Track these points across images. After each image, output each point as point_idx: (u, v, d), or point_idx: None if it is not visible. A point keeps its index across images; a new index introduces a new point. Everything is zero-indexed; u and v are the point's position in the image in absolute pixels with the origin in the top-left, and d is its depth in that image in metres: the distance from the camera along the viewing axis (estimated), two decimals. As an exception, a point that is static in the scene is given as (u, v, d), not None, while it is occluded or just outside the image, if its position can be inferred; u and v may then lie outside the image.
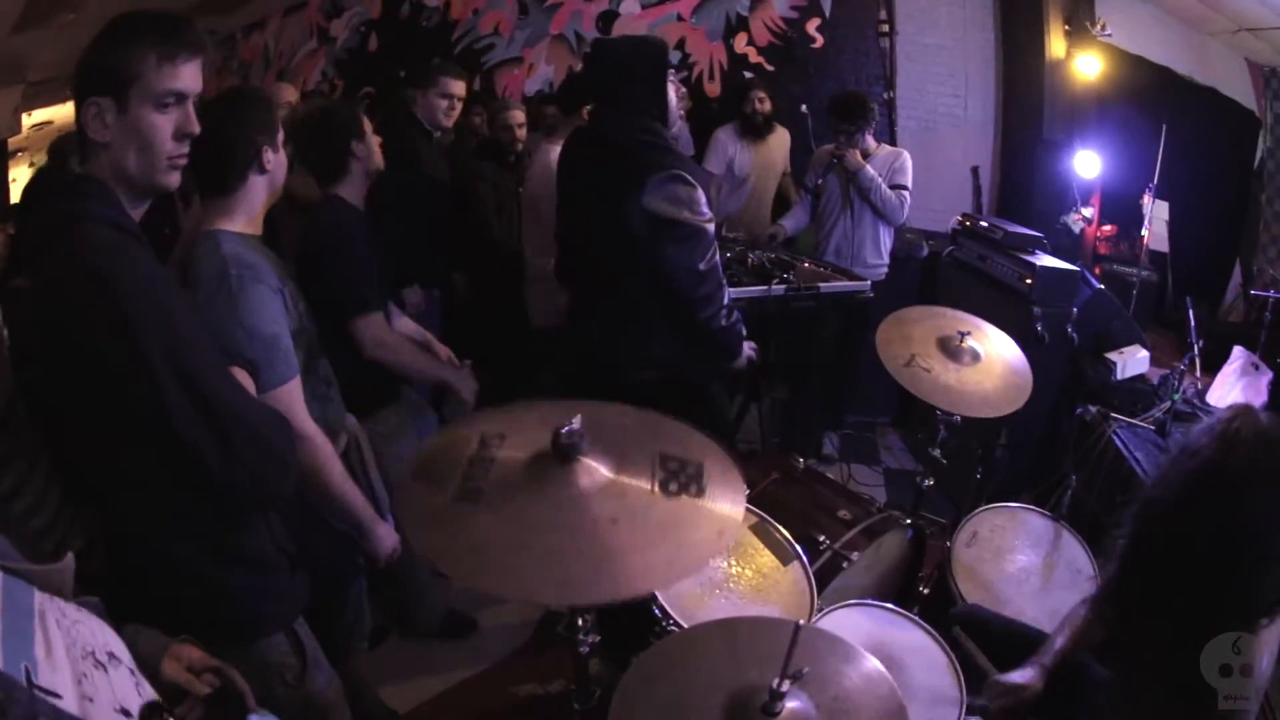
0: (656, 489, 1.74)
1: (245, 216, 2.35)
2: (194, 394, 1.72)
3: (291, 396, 2.32)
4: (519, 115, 5.51)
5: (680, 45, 7.30)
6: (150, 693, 1.29)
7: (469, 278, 5.15)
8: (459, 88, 4.50)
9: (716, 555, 1.79)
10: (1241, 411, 1.94)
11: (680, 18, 7.33)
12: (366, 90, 8.11)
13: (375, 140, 3.16)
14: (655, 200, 2.99)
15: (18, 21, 6.19)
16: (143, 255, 1.75)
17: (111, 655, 1.23)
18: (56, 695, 1.03)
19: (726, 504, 1.76)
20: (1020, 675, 2.30)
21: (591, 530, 1.63)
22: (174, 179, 1.85)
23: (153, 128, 1.77)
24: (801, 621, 1.60)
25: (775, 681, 1.60)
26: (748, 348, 3.42)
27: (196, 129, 1.84)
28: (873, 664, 1.86)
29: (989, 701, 2.28)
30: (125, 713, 1.16)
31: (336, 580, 2.79)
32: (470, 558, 1.63)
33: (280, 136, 2.38)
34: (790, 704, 1.63)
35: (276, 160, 2.37)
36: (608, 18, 7.43)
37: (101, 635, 1.25)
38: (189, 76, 1.80)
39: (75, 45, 1.78)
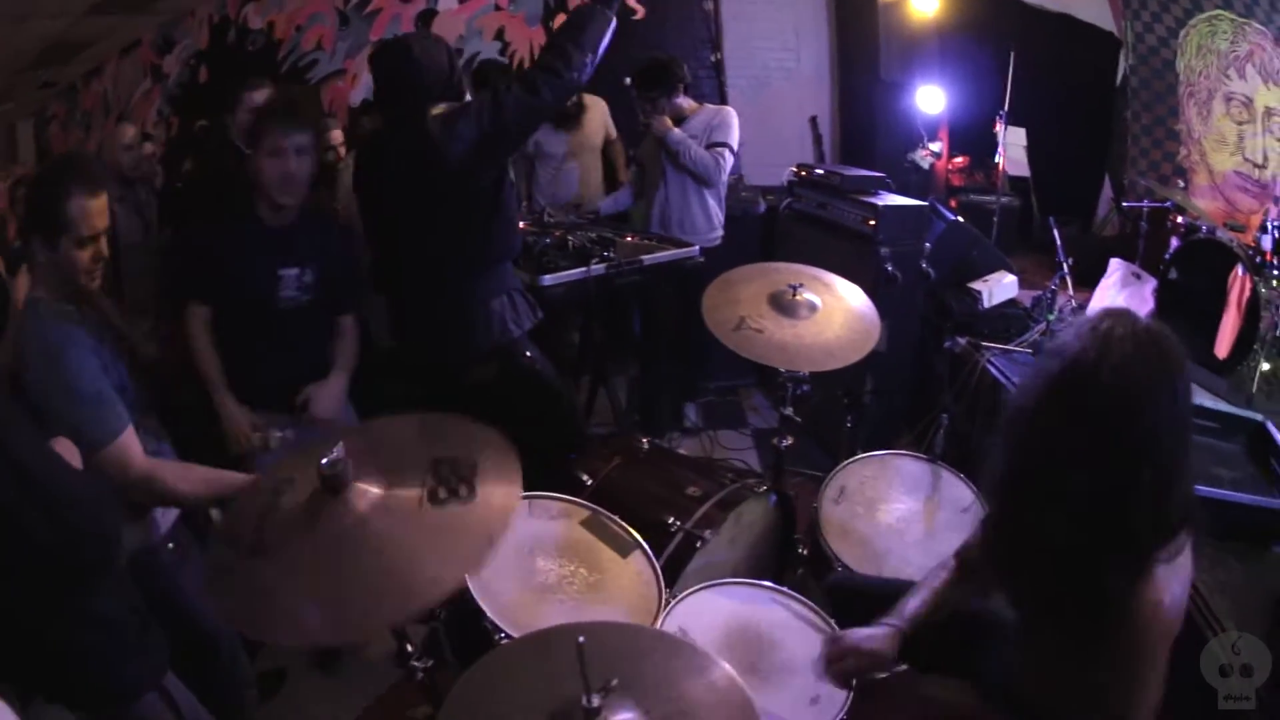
0: (425, 501, 1.74)
1: (59, 278, 2.44)
2: (10, 465, 1.72)
3: (126, 446, 2.39)
4: (338, 134, 5.42)
5: (500, 34, 7.26)
6: None
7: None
8: (261, 95, 4.42)
9: (486, 558, 1.73)
10: (1115, 313, 1.71)
11: (498, 7, 7.29)
12: (201, 125, 7.91)
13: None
14: (457, 145, 3.09)
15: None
16: None
17: None
18: None
19: (498, 498, 1.77)
20: (868, 638, 2.12)
21: (361, 558, 1.63)
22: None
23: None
24: (582, 639, 1.48)
25: (584, 699, 1.49)
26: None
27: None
28: (709, 657, 1.74)
29: (828, 663, 2.12)
30: None
31: (204, 634, 2.73)
32: (261, 614, 1.63)
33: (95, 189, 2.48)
34: (619, 716, 1.52)
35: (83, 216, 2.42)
36: (426, 16, 7.34)
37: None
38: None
39: None
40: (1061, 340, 1.75)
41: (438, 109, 3.14)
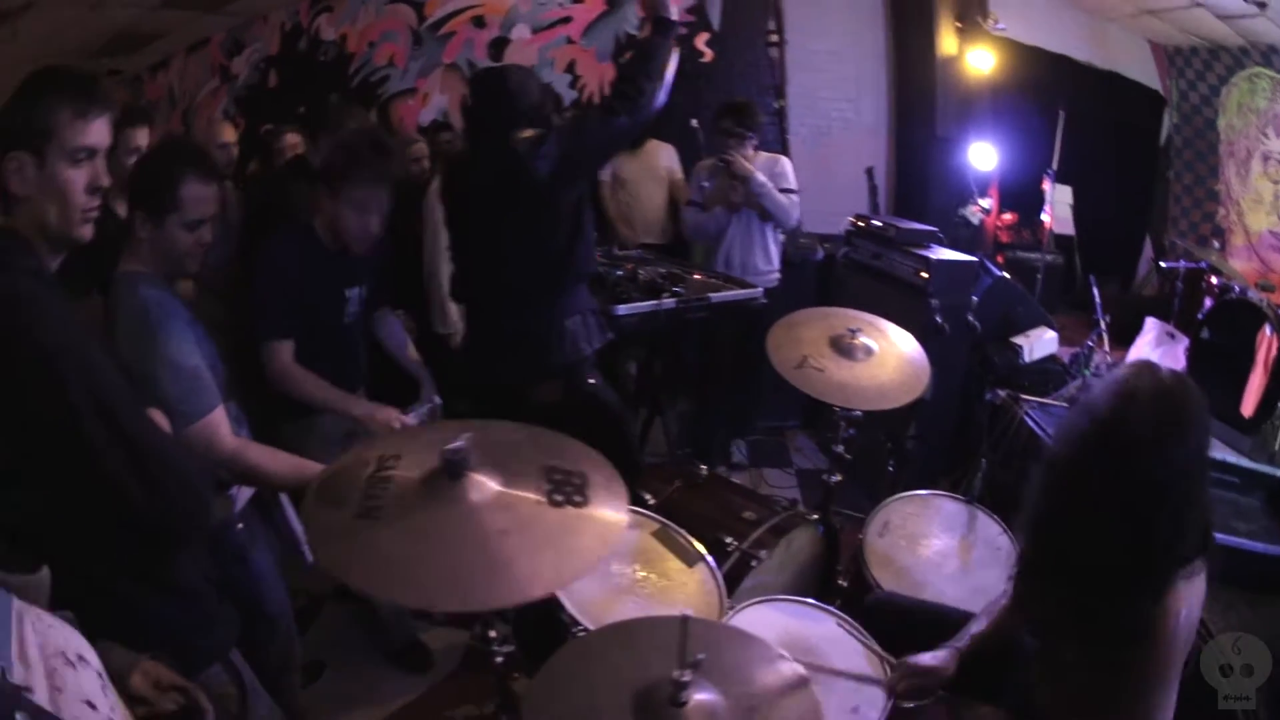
0: (543, 500, 1.82)
1: (159, 257, 2.49)
2: (114, 432, 1.75)
3: (217, 424, 2.44)
4: (422, 148, 5.50)
5: (571, 68, 7.34)
6: (115, 698, 1.32)
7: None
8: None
9: (600, 559, 1.85)
10: (1142, 368, 1.92)
11: (570, 40, 7.37)
12: (266, 128, 8.04)
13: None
14: (542, 164, 3.19)
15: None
16: (60, 303, 1.80)
17: (81, 657, 1.27)
18: (28, 690, 1.08)
19: (609, 511, 1.84)
20: (931, 657, 2.33)
21: (484, 541, 1.69)
22: (88, 230, 1.91)
23: (68, 182, 1.84)
24: (689, 613, 1.65)
25: (675, 673, 1.64)
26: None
27: (106, 182, 1.92)
28: (778, 651, 1.92)
29: (894, 681, 2.32)
30: (91, 705, 1.20)
31: (265, 614, 2.81)
32: (373, 570, 1.69)
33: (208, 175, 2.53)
34: (698, 695, 1.67)
35: (194, 201, 2.47)
36: (499, 44, 7.44)
37: (73, 640, 1.30)
38: (101, 132, 1.89)
39: (4, 68, 1.84)
40: (1092, 392, 1.96)
41: (526, 133, 3.25)
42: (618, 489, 1.91)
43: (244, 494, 2.73)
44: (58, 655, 1.21)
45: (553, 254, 3.35)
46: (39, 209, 1.83)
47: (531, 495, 1.82)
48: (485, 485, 1.80)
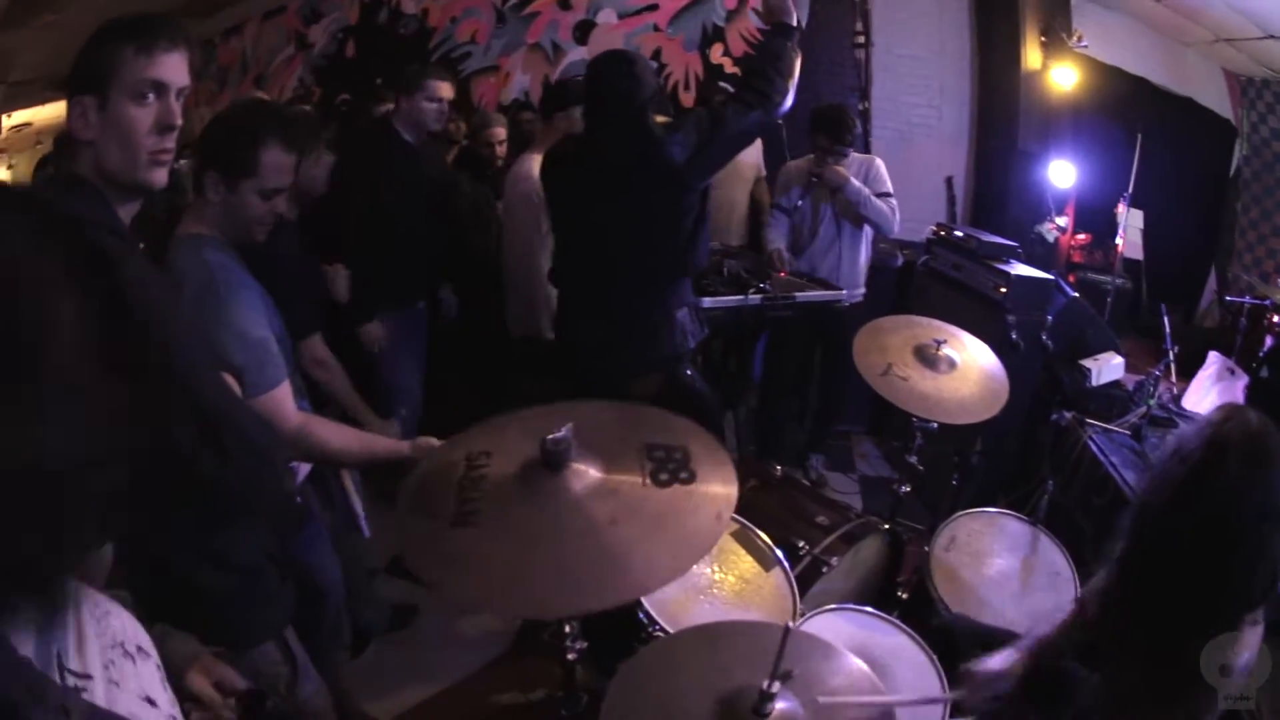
0: (648, 481, 1.75)
1: (228, 222, 2.36)
2: (190, 401, 1.70)
3: (283, 396, 2.30)
4: (500, 132, 5.44)
5: (656, 55, 7.30)
6: (172, 694, 1.30)
7: (457, 291, 5.12)
8: (447, 89, 4.33)
9: (718, 539, 1.79)
10: (1232, 413, 1.95)
11: (657, 28, 7.35)
12: (343, 97, 8.08)
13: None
14: (677, 150, 3.18)
15: (-2, 22, 6.17)
16: (133, 258, 1.75)
17: (140, 649, 1.22)
18: (87, 676, 1.03)
19: (718, 485, 1.77)
20: (999, 660, 2.31)
21: (592, 533, 1.63)
22: (158, 175, 1.82)
23: (131, 120, 1.75)
24: (791, 624, 1.60)
25: (765, 683, 1.60)
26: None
27: (178, 121, 1.82)
28: (857, 664, 1.89)
29: (968, 694, 2.30)
30: (150, 701, 1.15)
31: (317, 590, 2.77)
32: (479, 583, 1.64)
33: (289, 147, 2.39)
34: (779, 705, 1.63)
35: (274, 168, 2.34)
36: (584, 27, 7.44)
37: (133, 629, 1.24)
38: (168, 67, 1.78)
39: (56, 46, 1.82)
40: (1187, 439, 1.97)
41: (659, 118, 3.27)
42: (722, 459, 1.84)
43: (303, 468, 2.66)
44: (116, 646, 1.16)
45: (676, 244, 3.35)
46: (102, 151, 1.75)
47: (635, 477, 1.75)
48: (586, 473, 1.74)
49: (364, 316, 4.12)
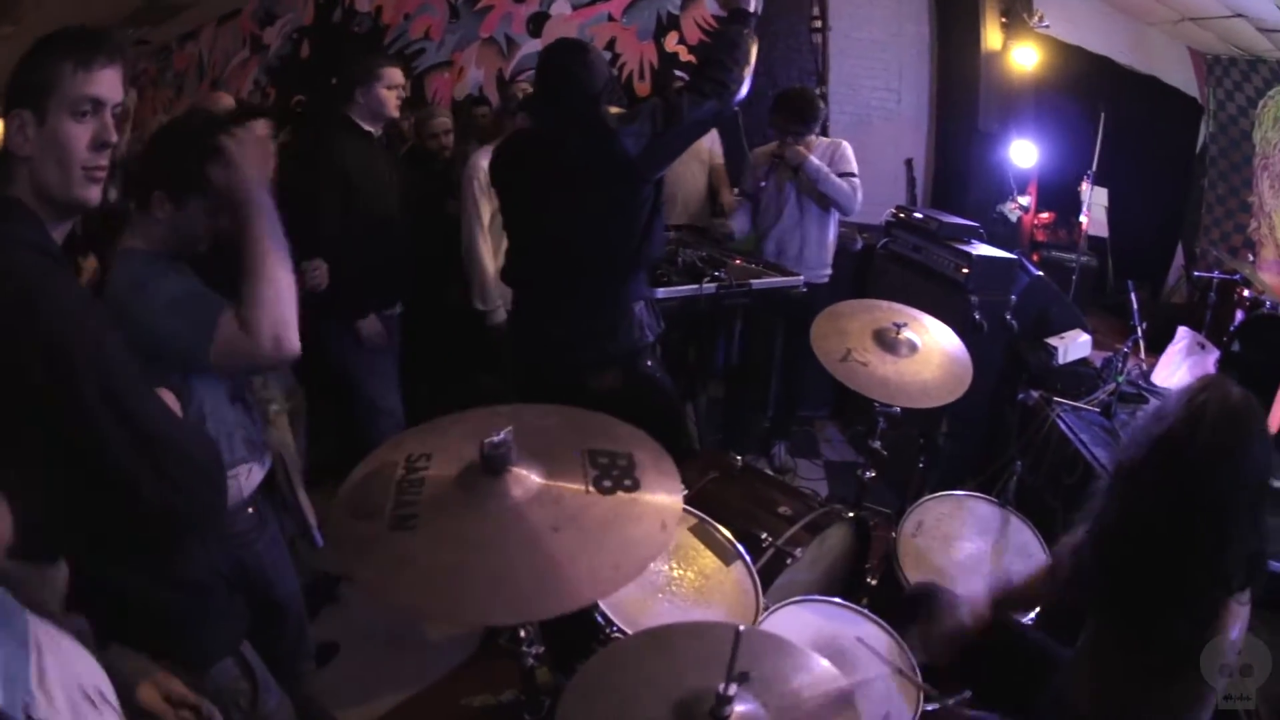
0: (591, 488, 1.73)
1: (174, 237, 2.31)
2: (122, 417, 1.66)
3: (232, 319, 2.12)
4: (445, 122, 5.40)
5: (610, 45, 7.25)
6: None
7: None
8: (399, 75, 4.28)
9: (663, 549, 1.77)
10: (1213, 383, 1.98)
11: (611, 18, 7.29)
12: (298, 99, 8.01)
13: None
14: (631, 142, 3.15)
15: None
16: (65, 279, 1.70)
17: (100, 693, 1.23)
18: None
19: (663, 494, 1.75)
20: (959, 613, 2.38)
21: (533, 541, 1.61)
22: (92, 193, 1.76)
23: (69, 136, 1.70)
24: (742, 626, 1.54)
25: (721, 686, 1.57)
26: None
27: (114, 138, 1.77)
28: (819, 662, 1.85)
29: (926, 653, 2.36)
30: None
31: (275, 604, 2.71)
32: (414, 588, 1.60)
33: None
34: (739, 708, 1.60)
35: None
36: (538, 20, 7.37)
37: (92, 674, 1.25)
38: (105, 83, 1.75)
39: (12, 59, 1.74)
40: (1169, 403, 2.01)
41: (613, 109, 3.22)
42: (667, 467, 1.83)
43: (252, 479, 2.56)
44: (78, 689, 1.17)
45: (632, 236, 3.31)
46: (39, 169, 1.70)
47: (578, 485, 1.73)
48: (528, 479, 1.71)
49: (358, 313, 4.07)
